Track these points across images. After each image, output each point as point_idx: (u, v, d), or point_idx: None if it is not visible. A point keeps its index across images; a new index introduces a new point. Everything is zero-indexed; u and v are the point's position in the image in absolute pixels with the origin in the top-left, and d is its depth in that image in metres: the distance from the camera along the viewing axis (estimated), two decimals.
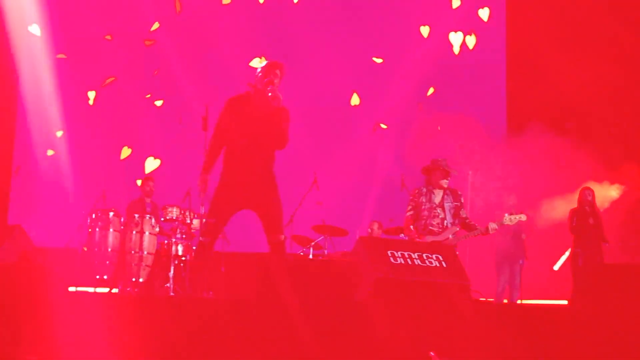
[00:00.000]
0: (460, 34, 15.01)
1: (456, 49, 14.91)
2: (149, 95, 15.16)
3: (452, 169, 9.79)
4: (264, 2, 15.30)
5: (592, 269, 9.83)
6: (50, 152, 14.93)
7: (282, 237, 7.94)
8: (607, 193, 13.61)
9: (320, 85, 15.24)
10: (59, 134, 14.84)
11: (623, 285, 6.20)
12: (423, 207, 9.69)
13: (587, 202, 12.50)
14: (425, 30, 15.09)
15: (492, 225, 9.67)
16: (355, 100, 15.22)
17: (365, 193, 14.94)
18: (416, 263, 7.42)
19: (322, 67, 15.24)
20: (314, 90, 15.15)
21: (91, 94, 15.04)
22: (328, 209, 13.87)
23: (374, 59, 15.21)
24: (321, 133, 15.22)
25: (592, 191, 12.57)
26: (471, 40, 15.04)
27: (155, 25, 15.26)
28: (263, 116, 7.97)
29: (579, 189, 12.61)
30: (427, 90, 15.11)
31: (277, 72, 8.10)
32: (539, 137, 13.92)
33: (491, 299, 12.00)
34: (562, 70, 14.05)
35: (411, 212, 9.77)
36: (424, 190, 9.80)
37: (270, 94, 7.92)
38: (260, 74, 8.14)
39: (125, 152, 14.98)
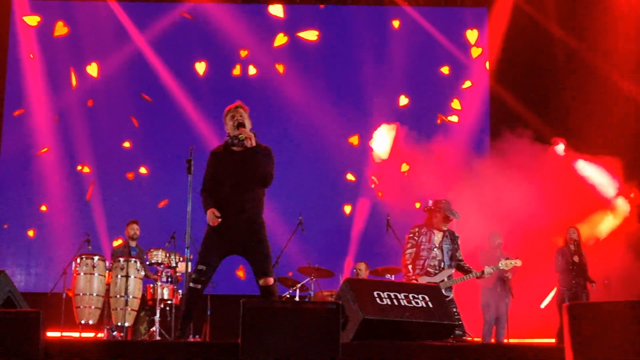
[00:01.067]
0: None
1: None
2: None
3: (453, 211, 9.82)
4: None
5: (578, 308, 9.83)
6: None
7: (272, 280, 7.90)
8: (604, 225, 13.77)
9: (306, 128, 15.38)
10: None
11: (609, 324, 6.21)
12: (422, 246, 9.71)
13: (572, 240, 12.59)
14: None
15: (488, 270, 9.76)
16: (354, 140, 15.39)
17: (352, 234, 14.95)
18: (402, 303, 7.41)
19: (307, 113, 15.40)
20: (300, 133, 15.30)
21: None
22: (313, 250, 13.89)
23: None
24: (305, 175, 15.29)
25: (578, 230, 12.67)
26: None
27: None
28: (241, 159, 7.96)
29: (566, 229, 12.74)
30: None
31: (240, 111, 8.10)
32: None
33: (478, 339, 11.98)
34: None
35: (411, 251, 9.78)
36: (424, 230, 9.81)
37: (241, 135, 7.94)
38: (227, 121, 8.15)
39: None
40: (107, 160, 15.29)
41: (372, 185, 15.06)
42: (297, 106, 15.51)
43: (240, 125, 7.98)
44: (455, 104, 15.62)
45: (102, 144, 15.34)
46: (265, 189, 8.08)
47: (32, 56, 15.37)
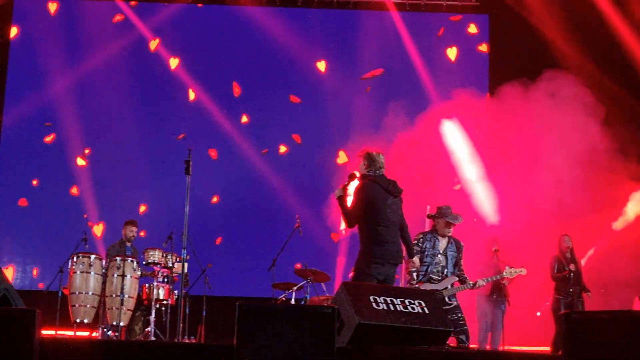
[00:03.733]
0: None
1: None
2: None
3: (455, 215, 9.82)
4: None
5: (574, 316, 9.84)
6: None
7: None
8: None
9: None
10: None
11: (605, 333, 6.21)
12: (426, 252, 9.71)
13: (567, 248, 12.60)
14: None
15: (480, 282, 9.83)
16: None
17: (348, 237, 14.93)
18: (399, 309, 7.40)
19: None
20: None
21: None
22: (310, 253, 13.89)
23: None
24: (304, 179, 15.32)
25: (570, 238, 12.68)
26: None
27: None
28: None
29: (559, 237, 12.74)
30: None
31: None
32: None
33: (474, 346, 11.96)
34: None
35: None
36: (429, 236, 9.80)
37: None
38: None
39: None
40: (104, 156, 15.31)
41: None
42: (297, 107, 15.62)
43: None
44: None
45: (99, 140, 15.37)
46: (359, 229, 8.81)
47: None
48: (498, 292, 12.30)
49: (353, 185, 8.87)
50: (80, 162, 15.28)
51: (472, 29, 16.00)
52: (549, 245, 12.93)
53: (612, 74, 14.78)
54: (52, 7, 15.68)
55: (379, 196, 8.73)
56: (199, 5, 16.04)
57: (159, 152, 15.36)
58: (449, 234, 9.81)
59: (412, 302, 7.54)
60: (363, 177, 8.89)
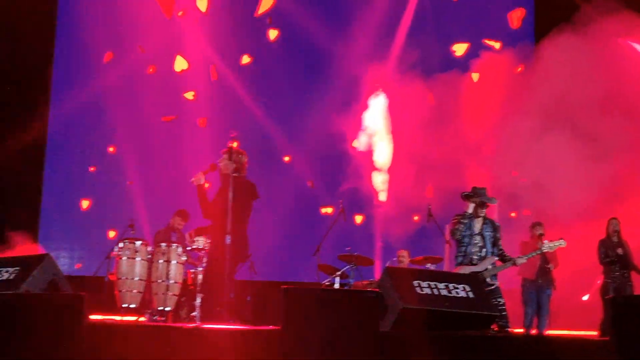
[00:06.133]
0: None
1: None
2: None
3: (490, 197, 9.77)
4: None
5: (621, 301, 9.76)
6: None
7: None
8: None
9: None
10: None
11: None
12: (463, 234, 9.66)
13: (614, 232, 12.45)
14: None
15: (521, 260, 9.73)
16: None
17: (392, 222, 14.90)
18: (442, 293, 7.38)
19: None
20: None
21: None
22: (354, 238, 13.90)
23: None
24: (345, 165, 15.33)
25: (619, 221, 12.51)
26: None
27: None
28: None
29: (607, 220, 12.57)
30: None
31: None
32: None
33: (519, 330, 11.90)
34: None
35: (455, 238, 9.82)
36: (463, 219, 9.75)
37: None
38: None
39: None
40: (152, 147, 15.44)
41: None
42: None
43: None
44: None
45: (148, 130, 15.50)
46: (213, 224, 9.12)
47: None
48: (544, 276, 12.22)
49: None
50: (111, 150, 15.48)
51: None
52: (599, 229, 12.77)
53: None
54: None
55: (239, 197, 9.11)
56: None
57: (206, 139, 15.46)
58: (482, 215, 9.75)
59: (457, 286, 7.53)
60: (225, 176, 9.18)
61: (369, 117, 15.11)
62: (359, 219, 15.23)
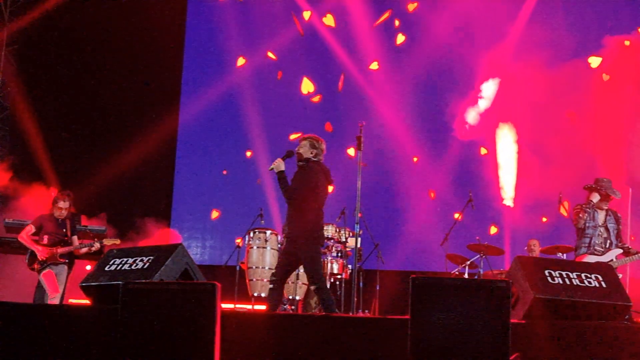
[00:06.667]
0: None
1: None
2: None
3: (614, 190, 9.56)
4: None
5: None
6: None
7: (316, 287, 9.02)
8: None
9: None
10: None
11: None
12: (587, 224, 9.49)
13: None
14: None
15: None
16: None
17: (522, 212, 14.69)
18: (574, 283, 7.23)
19: None
20: None
21: None
22: (481, 227, 13.78)
23: None
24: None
25: None
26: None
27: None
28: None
29: None
30: None
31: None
32: None
33: None
34: None
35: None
36: (587, 208, 9.57)
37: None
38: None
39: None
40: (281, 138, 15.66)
41: None
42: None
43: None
44: None
45: (275, 125, 15.72)
46: (298, 206, 9.02)
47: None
48: None
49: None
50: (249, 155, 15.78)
51: None
52: None
53: None
54: None
55: (322, 181, 9.18)
56: None
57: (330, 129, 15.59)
58: (606, 207, 9.56)
59: (589, 275, 7.35)
60: (307, 160, 9.20)
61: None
62: (493, 230, 15.03)
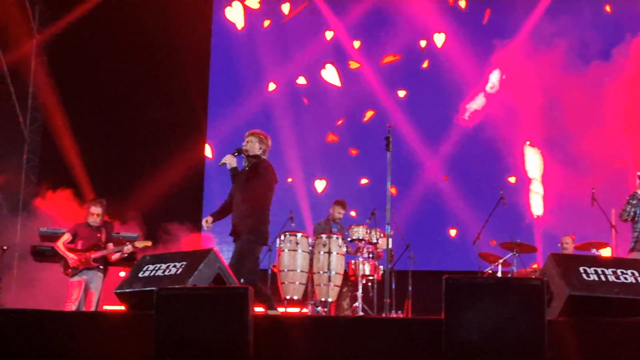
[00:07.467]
0: None
1: None
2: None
3: None
4: None
5: None
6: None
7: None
8: None
9: None
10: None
11: None
12: (636, 218, 9.35)
13: None
14: None
15: None
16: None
17: (556, 208, 14.60)
18: (610, 279, 7.15)
19: None
20: None
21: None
22: (513, 225, 13.71)
23: None
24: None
25: None
26: None
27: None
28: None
29: None
30: None
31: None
32: None
33: None
34: None
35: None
36: (633, 199, 9.41)
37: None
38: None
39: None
40: (314, 142, 15.69)
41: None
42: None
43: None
44: None
45: (309, 129, 15.75)
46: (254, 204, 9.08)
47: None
48: None
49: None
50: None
51: None
52: None
53: None
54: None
55: (275, 180, 9.31)
56: None
57: (358, 130, 15.59)
58: None
59: (625, 272, 7.27)
60: (255, 157, 9.25)
61: None
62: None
